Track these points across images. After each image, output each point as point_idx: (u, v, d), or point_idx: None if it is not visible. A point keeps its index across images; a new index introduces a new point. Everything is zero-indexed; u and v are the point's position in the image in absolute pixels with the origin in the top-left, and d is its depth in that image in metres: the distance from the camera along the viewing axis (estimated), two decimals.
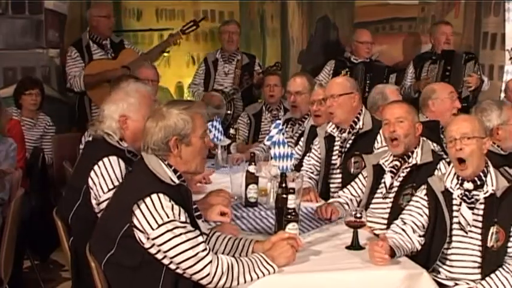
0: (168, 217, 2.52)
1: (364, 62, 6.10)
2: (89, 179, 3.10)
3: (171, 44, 5.95)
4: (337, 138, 4.11)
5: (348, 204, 3.61)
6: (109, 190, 3.04)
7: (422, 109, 4.36)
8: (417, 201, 3.14)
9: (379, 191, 3.55)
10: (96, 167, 3.09)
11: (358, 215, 2.98)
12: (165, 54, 6.05)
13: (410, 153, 3.49)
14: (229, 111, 5.95)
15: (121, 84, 3.35)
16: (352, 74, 5.92)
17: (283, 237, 2.76)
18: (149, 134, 2.68)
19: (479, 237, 2.98)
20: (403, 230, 3.06)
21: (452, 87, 4.50)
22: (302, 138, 4.69)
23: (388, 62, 6.56)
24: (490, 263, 2.94)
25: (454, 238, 3.03)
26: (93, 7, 6.00)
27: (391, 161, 3.54)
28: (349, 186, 3.73)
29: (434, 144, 3.73)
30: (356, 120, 4.04)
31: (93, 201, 3.10)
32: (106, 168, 3.09)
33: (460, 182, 3.05)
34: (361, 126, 4.02)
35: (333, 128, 4.13)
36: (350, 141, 4.03)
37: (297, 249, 2.73)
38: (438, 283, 2.86)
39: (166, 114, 2.67)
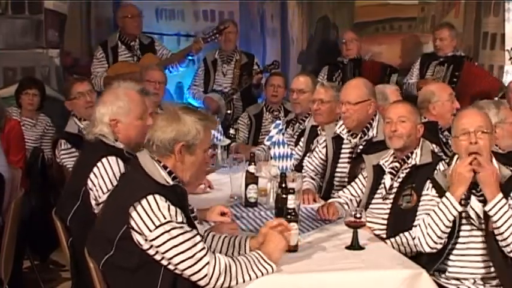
0: (165, 218, 2.51)
1: (352, 59, 6.11)
2: (89, 180, 3.10)
3: (192, 51, 6.02)
4: (345, 141, 4.07)
5: (347, 204, 3.60)
6: (108, 190, 3.04)
7: (422, 111, 4.34)
8: (431, 200, 3.10)
9: (378, 191, 3.55)
10: (95, 169, 3.09)
11: (358, 215, 2.98)
12: (190, 57, 6.12)
13: (409, 154, 3.49)
14: (229, 111, 5.97)
15: (112, 85, 3.32)
16: (344, 75, 5.92)
17: (271, 225, 2.76)
18: (159, 131, 2.65)
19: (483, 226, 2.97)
20: None
21: (450, 88, 4.47)
22: (302, 139, 4.69)
23: (388, 62, 6.56)
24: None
25: (461, 233, 3.01)
26: (119, 9, 6.05)
27: (391, 162, 3.54)
28: (349, 187, 3.72)
29: (434, 145, 3.73)
30: (368, 126, 4.00)
31: (93, 202, 3.10)
32: (105, 169, 3.08)
33: None
34: (374, 134, 3.97)
35: (343, 130, 4.09)
36: (361, 147, 3.99)
37: (289, 231, 2.74)
38: (438, 283, 2.86)
39: (182, 118, 2.65)
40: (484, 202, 2.97)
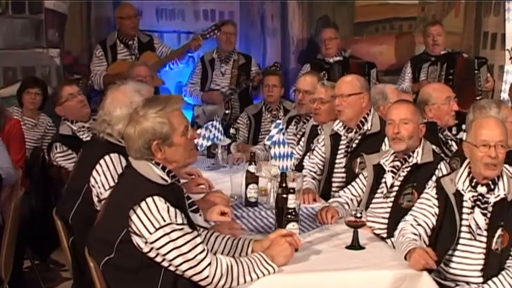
0: (165, 220, 2.50)
1: (339, 61, 6.10)
2: (91, 178, 3.12)
3: (191, 48, 6.02)
4: (343, 137, 4.10)
5: (348, 204, 3.60)
6: (110, 187, 3.06)
7: None
8: (428, 200, 3.10)
9: (379, 190, 3.55)
10: (98, 166, 3.12)
11: (358, 215, 2.98)
12: (190, 54, 6.16)
13: (411, 153, 3.49)
14: (227, 111, 5.96)
15: (122, 86, 3.32)
16: (330, 74, 5.91)
17: (281, 233, 2.76)
18: (130, 141, 2.62)
19: (484, 239, 2.96)
20: (419, 233, 3.03)
21: (449, 90, 4.43)
22: (303, 138, 4.69)
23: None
24: (492, 265, 2.93)
25: (460, 241, 3.01)
26: (116, 8, 6.07)
27: (392, 161, 3.54)
28: (349, 186, 3.72)
29: (433, 146, 3.72)
30: (363, 120, 4.02)
31: (95, 199, 3.14)
32: (108, 166, 3.12)
33: (473, 185, 3.01)
34: (369, 128, 4.01)
35: (340, 126, 4.12)
36: (356, 141, 4.02)
37: (296, 248, 2.73)
38: (438, 283, 2.85)
39: (142, 119, 2.59)
40: (487, 216, 2.96)
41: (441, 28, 6.14)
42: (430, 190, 3.13)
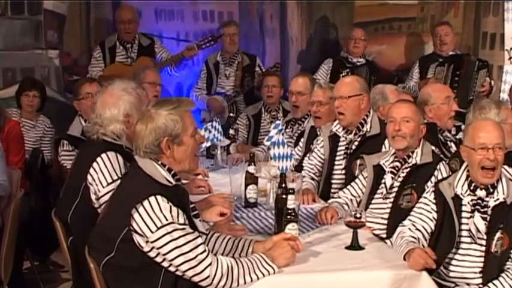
0: (167, 219, 2.51)
1: (367, 63, 6.09)
2: (88, 176, 3.13)
3: (185, 57, 6.01)
4: (342, 139, 4.09)
5: (347, 204, 3.60)
6: (108, 184, 3.09)
7: None
8: (427, 204, 3.09)
9: (379, 191, 3.55)
10: (94, 164, 3.13)
11: (358, 215, 2.98)
12: (185, 63, 6.14)
13: (410, 154, 3.49)
14: (231, 114, 5.95)
15: (109, 87, 3.34)
16: (354, 74, 5.89)
17: (285, 237, 2.76)
18: (140, 138, 2.66)
19: (484, 242, 2.96)
20: (418, 237, 3.02)
21: (448, 90, 4.44)
22: (302, 139, 4.69)
23: (387, 62, 6.55)
24: (492, 268, 2.92)
25: (460, 244, 3.00)
26: (117, 10, 6.05)
27: (392, 162, 3.54)
28: (349, 187, 3.72)
29: (433, 147, 3.72)
30: (363, 122, 4.02)
31: (93, 197, 3.14)
32: (105, 163, 3.13)
33: (472, 188, 3.00)
34: (368, 129, 4.00)
35: (338, 128, 4.12)
36: (356, 143, 4.02)
37: (297, 251, 2.73)
38: (438, 284, 2.85)
39: (155, 115, 2.65)
40: (487, 220, 2.96)
41: (449, 28, 6.15)
42: (428, 195, 3.12)
